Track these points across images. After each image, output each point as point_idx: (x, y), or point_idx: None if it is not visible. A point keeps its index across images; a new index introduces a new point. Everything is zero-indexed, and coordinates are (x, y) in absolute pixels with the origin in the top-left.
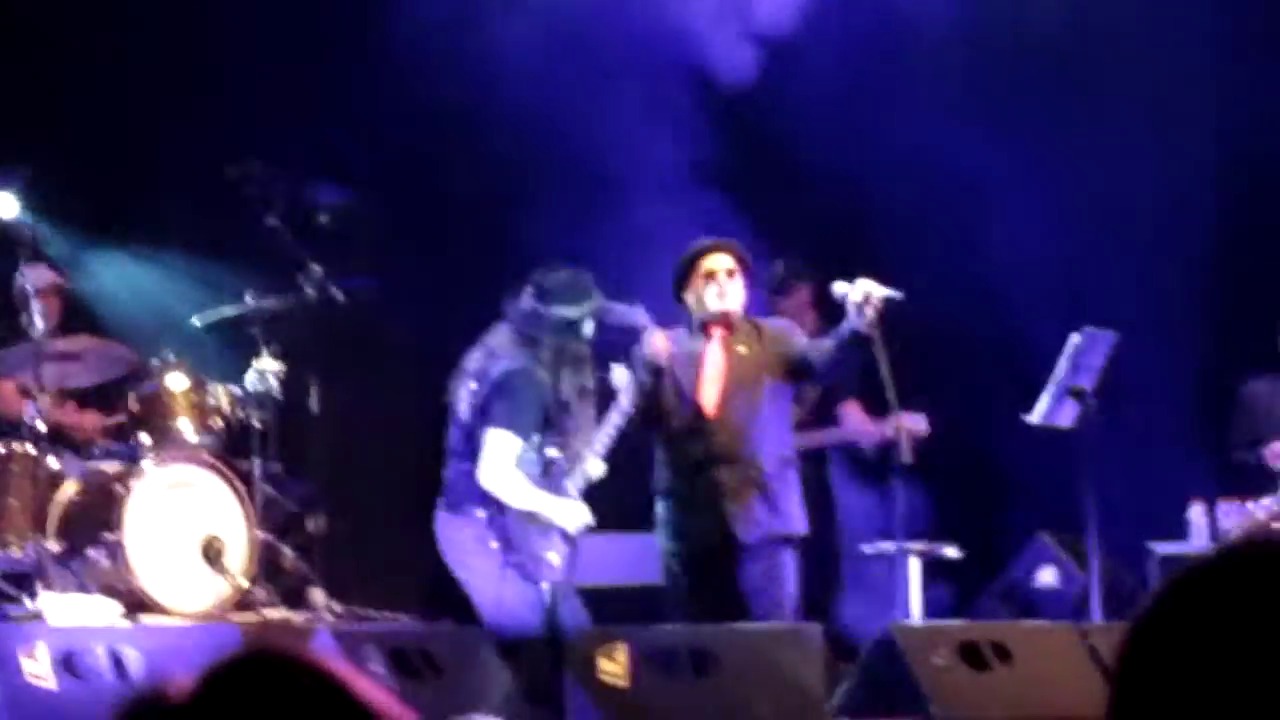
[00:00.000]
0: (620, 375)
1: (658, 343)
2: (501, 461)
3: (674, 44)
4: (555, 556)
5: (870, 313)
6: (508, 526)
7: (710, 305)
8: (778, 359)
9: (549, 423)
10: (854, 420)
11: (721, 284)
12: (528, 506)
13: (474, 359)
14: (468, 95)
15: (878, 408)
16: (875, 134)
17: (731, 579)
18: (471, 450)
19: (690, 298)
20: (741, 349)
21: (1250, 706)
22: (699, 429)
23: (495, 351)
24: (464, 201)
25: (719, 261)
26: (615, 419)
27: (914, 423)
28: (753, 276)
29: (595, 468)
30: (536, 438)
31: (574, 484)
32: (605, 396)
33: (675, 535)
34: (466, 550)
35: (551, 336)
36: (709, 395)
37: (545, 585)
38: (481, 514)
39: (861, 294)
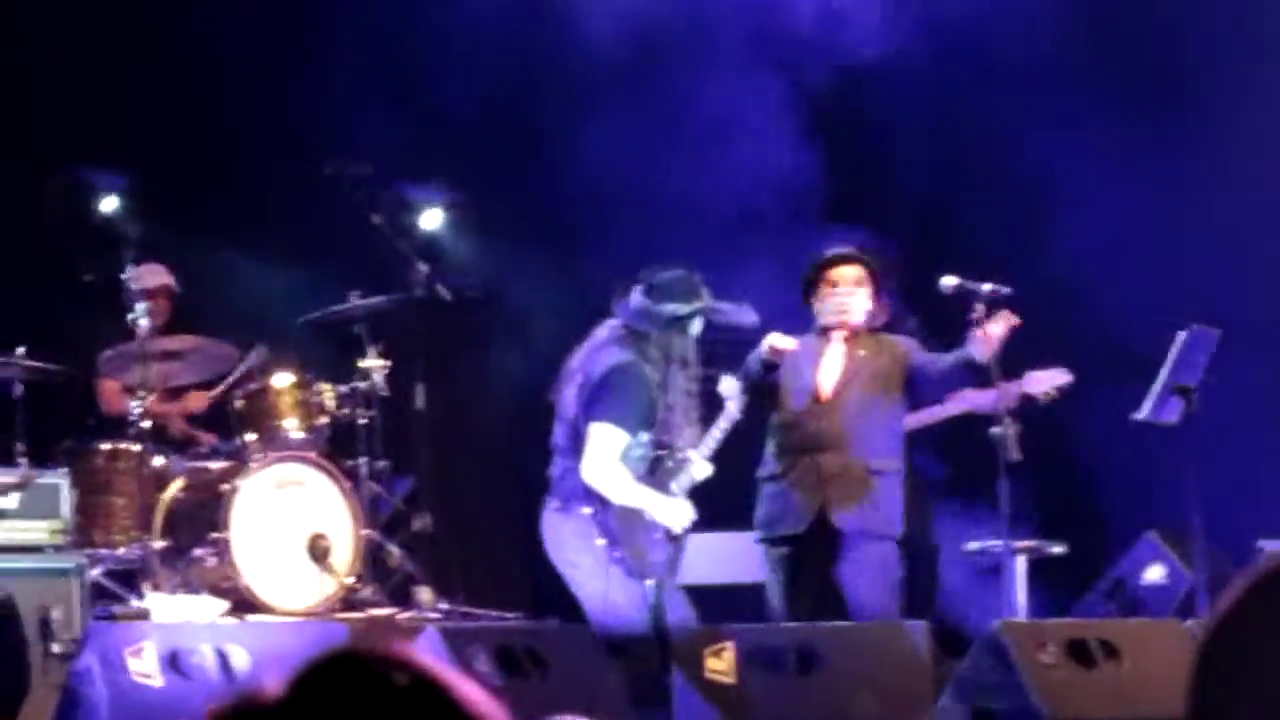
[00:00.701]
0: (728, 385)
1: (781, 341)
2: (606, 456)
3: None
4: (659, 553)
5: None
6: (611, 522)
7: (831, 315)
8: (898, 372)
9: (654, 420)
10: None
11: (843, 296)
12: (631, 502)
13: (580, 356)
14: (565, 97)
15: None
16: (964, 135)
17: (827, 565)
18: (577, 447)
19: (815, 303)
20: (863, 351)
21: None
22: (812, 412)
23: (601, 348)
24: (569, 201)
25: (845, 273)
26: (722, 424)
27: (1053, 376)
28: (882, 288)
29: (702, 470)
30: (642, 434)
31: (679, 484)
32: (712, 401)
33: (774, 518)
34: (572, 548)
35: (659, 333)
36: (826, 381)
37: (650, 582)
38: (587, 511)
39: (993, 334)
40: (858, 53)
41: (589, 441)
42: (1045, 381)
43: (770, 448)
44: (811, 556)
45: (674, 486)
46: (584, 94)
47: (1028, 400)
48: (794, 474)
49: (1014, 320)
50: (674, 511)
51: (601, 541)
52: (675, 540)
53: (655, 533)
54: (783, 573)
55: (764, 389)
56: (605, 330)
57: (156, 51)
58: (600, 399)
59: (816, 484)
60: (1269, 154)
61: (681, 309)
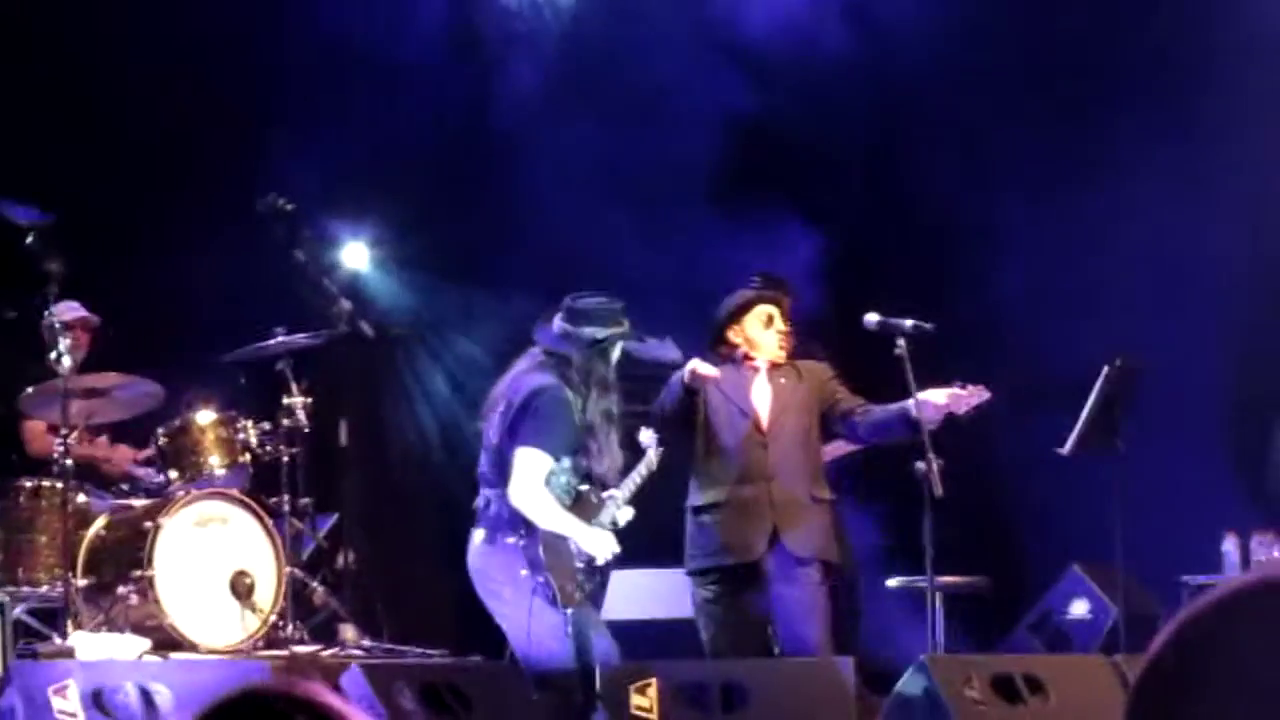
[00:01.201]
0: (647, 435)
1: (704, 368)
2: (531, 479)
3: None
4: (582, 584)
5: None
6: (536, 550)
7: (767, 350)
8: (817, 397)
9: (577, 445)
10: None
11: (779, 330)
12: (557, 528)
13: (504, 384)
14: (505, 128)
15: None
16: (891, 170)
17: (767, 592)
18: (502, 476)
19: (739, 335)
20: (784, 380)
21: None
22: (753, 440)
23: (524, 374)
24: (497, 235)
25: (779, 308)
26: (641, 470)
27: (974, 393)
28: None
29: (624, 514)
30: (566, 460)
31: (600, 521)
32: (633, 440)
33: (720, 547)
34: (497, 580)
35: (580, 357)
36: (762, 410)
37: (569, 610)
38: (512, 540)
39: (946, 399)
40: (794, 75)
41: (514, 466)
42: (966, 399)
43: (701, 478)
44: (751, 586)
45: (595, 523)
46: (512, 125)
47: (949, 418)
48: (740, 502)
49: (985, 395)
50: (598, 541)
51: (525, 572)
52: (598, 572)
53: (579, 561)
54: (721, 604)
55: (684, 418)
56: (527, 358)
57: (78, 85)
58: (523, 423)
59: (768, 512)
60: (1199, 187)
61: (600, 332)
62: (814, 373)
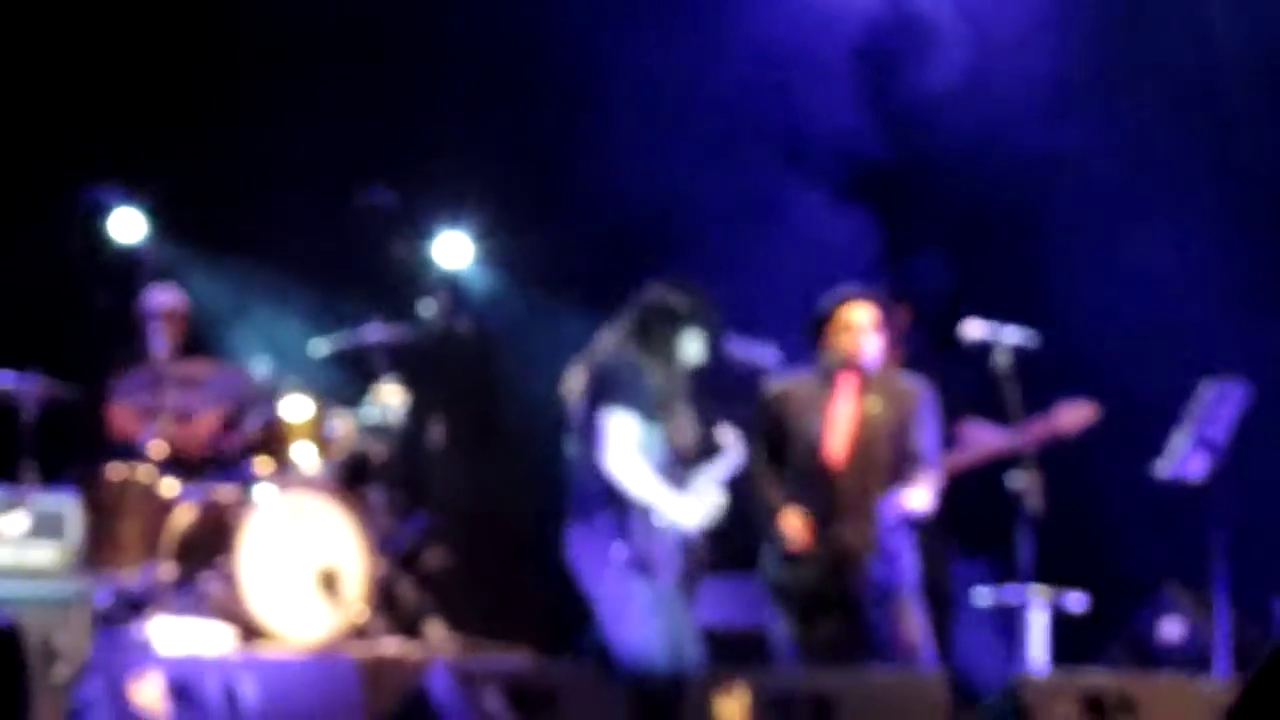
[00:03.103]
0: (728, 436)
1: (794, 532)
2: (624, 444)
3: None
4: (674, 557)
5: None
6: (628, 521)
7: (849, 357)
8: (904, 424)
9: (659, 412)
10: (981, 435)
11: (860, 339)
12: (649, 497)
13: (586, 355)
14: (599, 133)
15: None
16: (992, 184)
17: (847, 629)
18: (588, 455)
19: (827, 344)
20: (872, 404)
21: None
22: (821, 475)
23: (604, 343)
24: (594, 238)
25: (861, 315)
26: (725, 464)
27: (1077, 412)
28: (893, 329)
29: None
30: (655, 428)
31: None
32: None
33: (786, 581)
34: (592, 561)
35: (657, 327)
36: (835, 446)
37: (660, 581)
38: (603, 516)
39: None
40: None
41: (604, 433)
42: (1074, 417)
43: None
44: (828, 608)
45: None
46: (618, 134)
47: (1054, 439)
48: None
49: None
50: (690, 509)
51: (617, 544)
52: (692, 551)
53: (670, 536)
54: (794, 625)
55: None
56: (614, 327)
57: (178, 75)
58: (606, 390)
59: (828, 557)
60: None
61: (676, 304)
62: (909, 393)
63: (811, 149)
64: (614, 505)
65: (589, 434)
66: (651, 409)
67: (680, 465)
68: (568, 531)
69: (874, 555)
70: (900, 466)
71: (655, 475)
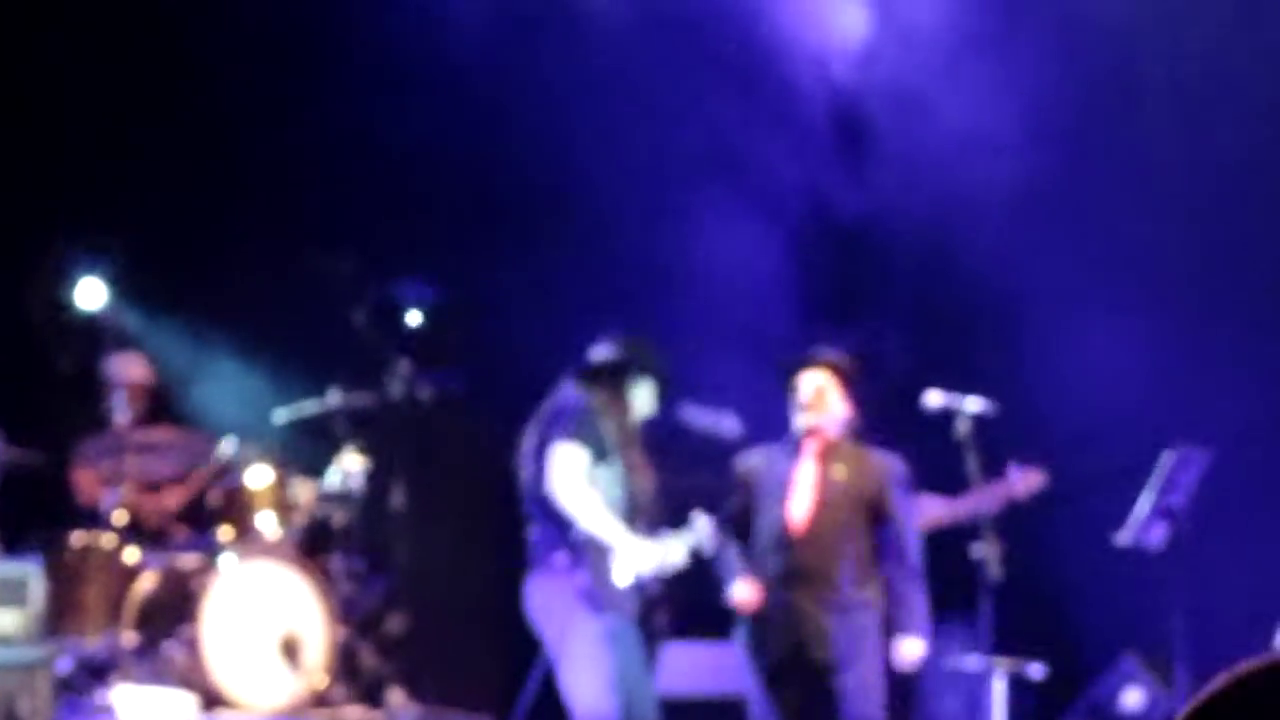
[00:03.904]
0: (701, 521)
1: (744, 598)
2: (571, 473)
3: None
4: (628, 597)
5: None
6: (581, 552)
7: (798, 421)
8: (871, 498)
9: (611, 454)
10: (928, 506)
11: (806, 401)
12: (599, 529)
13: (535, 416)
14: (556, 195)
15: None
16: (952, 251)
17: (809, 696)
18: (544, 509)
19: (790, 405)
20: (838, 471)
21: None
22: (783, 544)
23: (554, 396)
24: (548, 300)
25: (808, 379)
26: (689, 539)
27: (1027, 479)
28: (856, 391)
29: (674, 553)
30: (606, 469)
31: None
32: (683, 508)
33: (751, 648)
34: (547, 604)
35: (604, 376)
36: (797, 511)
37: (614, 619)
38: (561, 555)
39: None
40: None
41: (552, 463)
42: (1024, 484)
43: (746, 564)
44: (791, 677)
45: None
46: (574, 185)
47: (1004, 506)
48: (767, 608)
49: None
50: (642, 551)
51: (569, 580)
52: (643, 591)
53: (623, 576)
54: (763, 689)
55: (736, 521)
56: (560, 388)
57: (139, 140)
58: (556, 425)
59: (790, 623)
60: (1260, 264)
61: (622, 356)
62: (880, 469)
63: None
64: (566, 543)
65: (540, 473)
66: (604, 450)
67: (639, 516)
68: (527, 583)
69: (835, 622)
70: (864, 535)
71: (604, 509)
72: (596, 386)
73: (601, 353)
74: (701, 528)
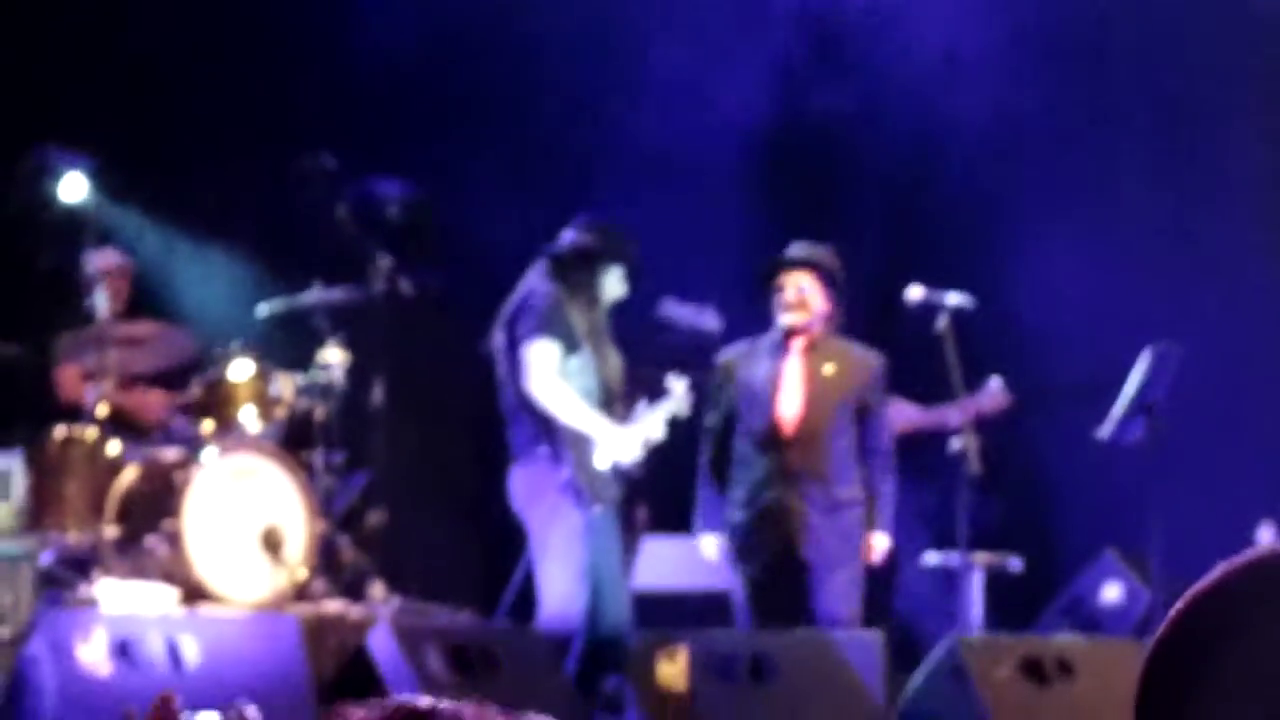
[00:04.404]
0: (677, 383)
1: (710, 550)
2: (545, 370)
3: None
4: (610, 485)
5: None
6: (561, 446)
7: (781, 320)
8: (857, 393)
9: (580, 344)
10: (902, 412)
11: (790, 301)
12: (578, 421)
13: (505, 307)
14: (525, 91)
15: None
16: (935, 145)
17: (795, 585)
18: (517, 388)
19: (772, 304)
20: (825, 368)
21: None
22: (773, 443)
23: (523, 285)
24: (531, 196)
25: (791, 280)
26: (669, 407)
27: (996, 397)
28: (839, 289)
29: (651, 431)
30: (576, 359)
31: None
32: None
33: (738, 549)
34: (530, 496)
35: (571, 265)
36: (787, 410)
37: (598, 508)
38: (541, 449)
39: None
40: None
41: (526, 362)
42: (992, 401)
43: (734, 471)
44: (779, 577)
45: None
46: (551, 83)
47: (982, 417)
48: (755, 509)
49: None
50: (622, 439)
51: (551, 472)
52: (624, 478)
53: (603, 463)
54: (750, 587)
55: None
56: (532, 270)
57: (120, 38)
58: (522, 321)
59: (779, 523)
60: (1235, 178)
61: (591, 243)
62: (864, 365)
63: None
64: (548, 437)
65: (514, 371)
66: (574, 342)
67: (613, 402)
68: (509, 476)
69: (824, 521)
70: (851, 432)
71: (582, 402)
72: (563, 275)
73: (568, 240)
74: (678, 392)
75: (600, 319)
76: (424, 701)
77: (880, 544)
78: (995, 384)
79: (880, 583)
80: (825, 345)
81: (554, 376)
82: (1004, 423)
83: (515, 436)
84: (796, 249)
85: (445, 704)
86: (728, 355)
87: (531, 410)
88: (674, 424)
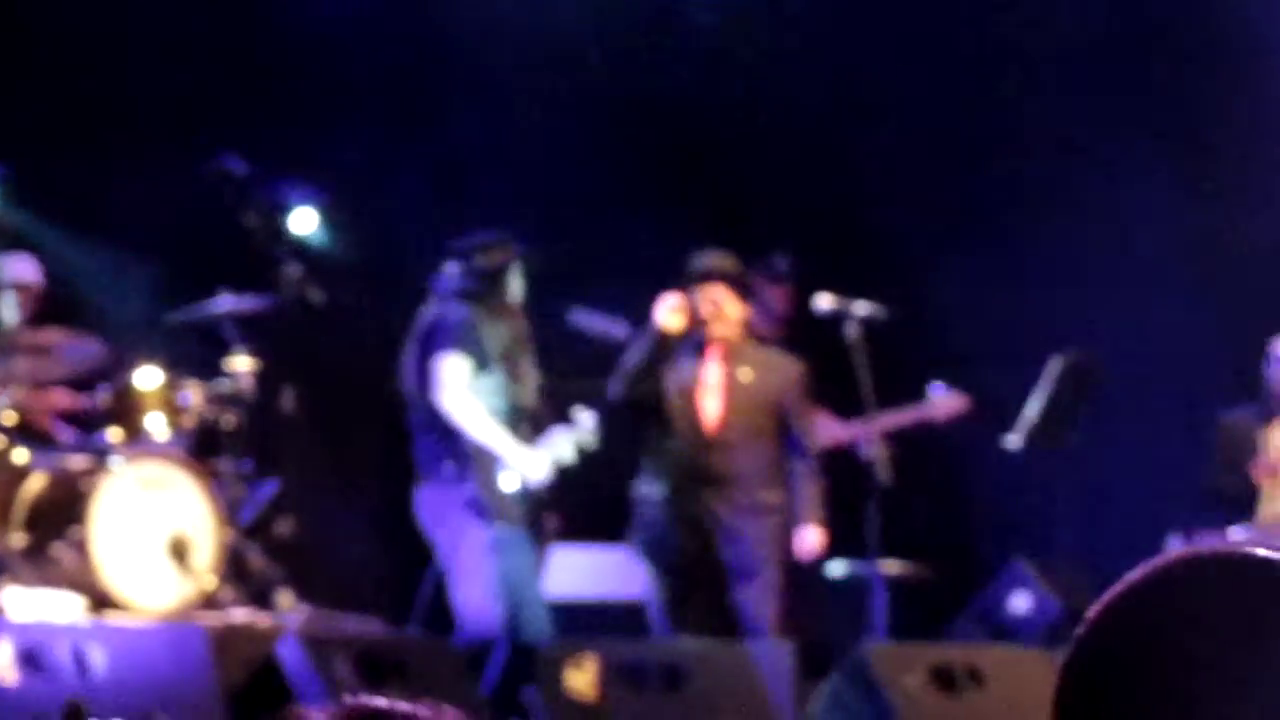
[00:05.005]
0: (583, 413)
1: (672, 319)
2: (455, 383)
3: None
4: (515, 504)
5: None
6: (466, 463)
7: (707, 329)
8: (777, 399)
9: (491, 362)
10: (828, 428)
11: (705, 317)
12: (485, 438)
13: (413, 327)
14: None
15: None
16: (852, 150)
17: (713, 587)
18: (429, 420)
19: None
20: (744, 373)
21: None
22: (695, 445)
23: (427, 309)
24: (440, 204)
25: (704, 294)
26: (573, 437)
27: (950, 401)
28: (752, 290)
29: (560, 452)
30: (488, 378)
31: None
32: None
33: (655, 546)
34: (436, 512)
35: (478, 290)
36: (710, 411)
37: (499, 525)
38: (448, 466)
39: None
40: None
41: (436, 376)
42: (948, 405)
43: (650, 466)
44: (697, 579)
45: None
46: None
47: (913, 427)
48: (675, 507)
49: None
50: (529, 458)
51: (456, 488)
52: (531, 497)
53: (511, 483)
54: (666, 591)
55: (645, 397)
56: (429, 309)
57: (27, 39)
58: (433, 338)
59: (699, 521)
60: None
61: (490, 261)
62: (786, 370)
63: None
64: (454, 454)
65: (424, 386)
66: (486, 359)
67: (521, 423)
68: (416, 494)
69: (745, 525)
70: (772, 437)
71: (490, 420)
72: (476, 297)
73: (475, 264)
74: (586, 424)
75: (520, 333)
76: (380, 702)
77: (813, 538)
78: (939, 390)
79: (792, 591)
80: (743, 351)
81: (463, 390)
82: (915, 431)
83: (420, 454)
84: (704, 260)
85: (402, 704)
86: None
87: (438, 427)
88: (582, 453)
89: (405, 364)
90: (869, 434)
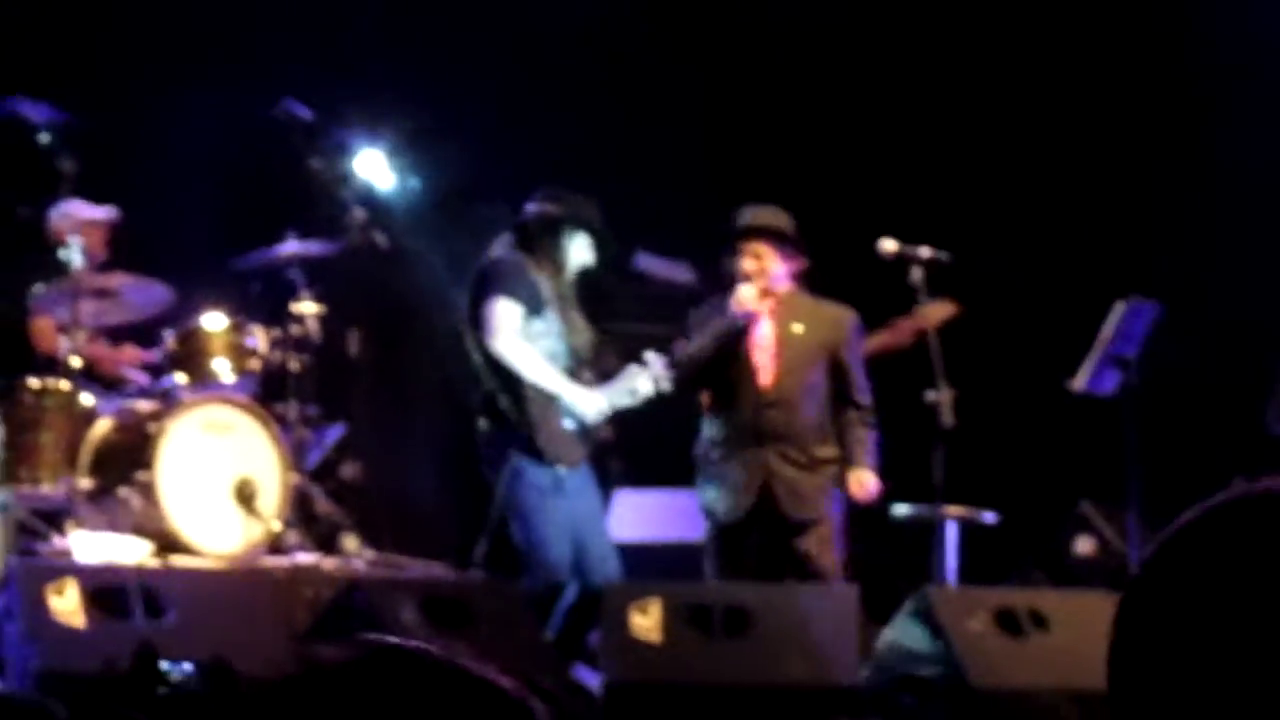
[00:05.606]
0: (652, 357)
1: (750, 301)
2: (507, 327)
3: None
4: (574, 446)
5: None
6: (528, 410)
7: (756, 286)
8: (830, 351)
9: (543, 309)
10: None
11: (748, 270)
12: (541, 379)
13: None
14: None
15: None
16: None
17: (770, 543)
18: (483, 349)
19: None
20: (796, 327)
21: (1236, 660)
22: (751, 401)
23: (486, 254)
24: (505, 148)
25: (747, 247)
26: (641, 383)
27: (938, 309)
28: (797, 246)
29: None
30: (541, 322)
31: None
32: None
33: (714, 506)
34: (496, 456)
35: (535, 232)
36: (763, 368)
37: (561, 469)
38: (506, 410)
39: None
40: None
41: (488, 320)
42: (938, 314)
43: (709, 429)
44: (754, 536)
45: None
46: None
47: (919, 337)
48: (733, 466)
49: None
50: (585, 399)
51: (513, 439)
52: (590, 435)
53: (569, 424)
54: (723, 546)
55: (718, 363)
56: (495, 244)
57: None
58: (484, 284)
59: (758, 479)
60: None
61: (554, 210)
62: (837, 320)
63: None
64: (512, 397)
65: (478, 331)
66: (538, 305)
67: (580, 368)
68: (478, 437)
69: (801, 479)
70: (826, 389)
71: (545, 362)
72: (527, 243)
73: (531, 210)
74: (656, 366)
75: (566, 288)
76: (391, 639)
77: (868, 481)
78: (930, 302)
79: (854, 535)
80: (793, 304)
81: (514, 334)
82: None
83: (483, 396)
84: (747, 215)
85: (412, 642)
86: (705, 313)
87: (497, 371)
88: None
89: (464, 308)
90: (877, 350)
